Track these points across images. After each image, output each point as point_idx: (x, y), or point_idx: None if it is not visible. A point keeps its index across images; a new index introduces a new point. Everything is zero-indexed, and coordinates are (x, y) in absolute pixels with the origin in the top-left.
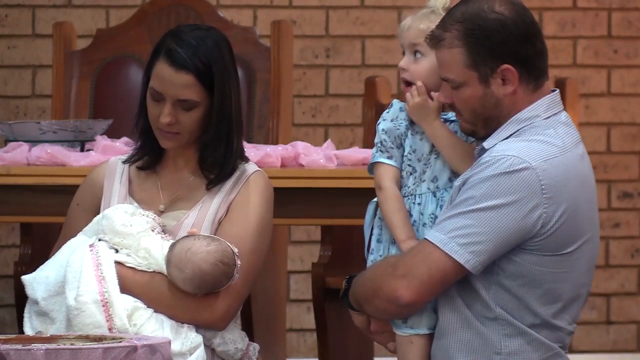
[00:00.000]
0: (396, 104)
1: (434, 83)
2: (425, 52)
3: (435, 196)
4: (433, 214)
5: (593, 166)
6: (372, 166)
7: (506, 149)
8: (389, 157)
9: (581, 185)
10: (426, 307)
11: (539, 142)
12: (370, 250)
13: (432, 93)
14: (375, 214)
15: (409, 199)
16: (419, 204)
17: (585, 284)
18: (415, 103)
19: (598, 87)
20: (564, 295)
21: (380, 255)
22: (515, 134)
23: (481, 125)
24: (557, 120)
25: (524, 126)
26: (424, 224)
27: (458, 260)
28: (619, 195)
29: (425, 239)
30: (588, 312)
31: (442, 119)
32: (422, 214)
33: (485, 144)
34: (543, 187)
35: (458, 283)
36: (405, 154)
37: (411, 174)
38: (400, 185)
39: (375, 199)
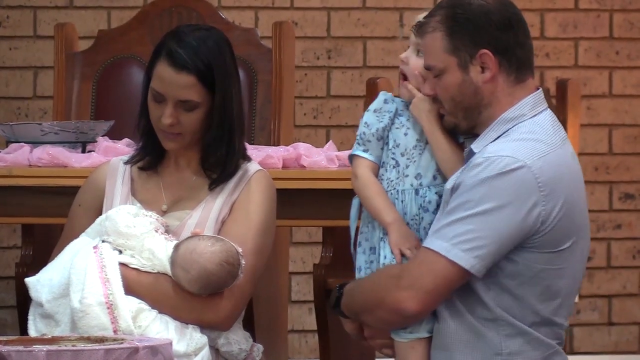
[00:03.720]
0: (382, 95)
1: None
2: None
3: (417, 194)
4: (417, 216)
5: (595, 167)
6: (351, 158)
7: (498, 149)
8: (365, 150)
9: (575, 181)
10: None
11: (530, 141)
12: (358, 249)
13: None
14: (360, 209)
15: (391, 193)
16: (402, 201)
17: (580, 279)
18: (418, 98)
19: (600, 89)
20: (562, 291)
21: (367, 260)
22: (504, 134)
23: (462, 115)
24: (543, 119)
25: (512, 126)
26: (407, 224)
27: (464, 266)
28: (621, 196)
29: (426, 247)
30: (590, 313)
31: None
32: (405, 213)
33: (474, 147)
34: (539, 184)
35: None
36: (390, 147)
37: (394, 167)
38: (378, 178)
39: None
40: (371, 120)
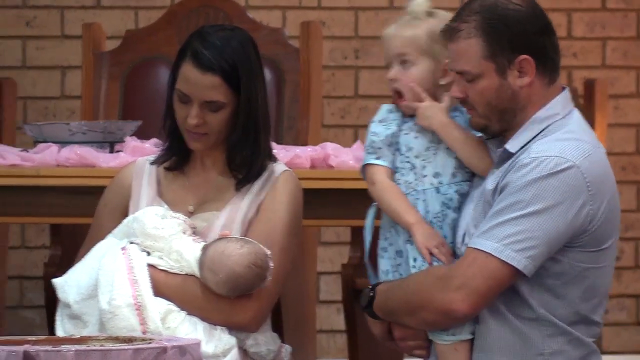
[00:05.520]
0: (385, 107)
1: (426, 89)
2: (414, 59)
3: (438, 192)
4: (439, 213)
5: (622, 167)
6: (364, 169)
7: (545, 149)
8: (378, 158)
9: (613, 179)
10: None
11: (574, 140)
12: (384, 255)
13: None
14: (374, 219)
15: (411, 195)
16: (424, 200)
17: (612, 276)
18: (421, 107)
19: (627, 88)
20: (602, 290)
21: (393, 264)
22: (542, 133)
23: (496, 119)
24: (574, 118)
25: (547, 125)
26: (430, 222)
27: (516, 266)
28: None
29: (475, 248)
30: (618, 312)
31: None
32: (427, 211)
33: (509, 147)
34: (588, 184)
35: None
36: (402, 152)
37: (411, 170)
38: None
39: (376, 203)
40: (378, 129)
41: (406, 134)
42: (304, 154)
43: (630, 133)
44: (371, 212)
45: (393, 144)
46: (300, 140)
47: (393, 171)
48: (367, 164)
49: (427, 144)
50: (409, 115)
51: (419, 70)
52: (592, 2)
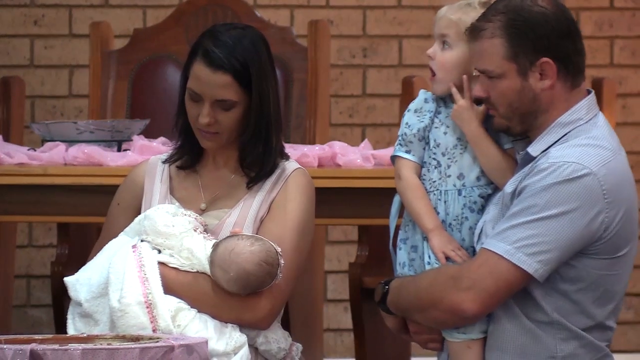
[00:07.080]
0: (422, 94)
1: (457, 76)
2: (453, 43)
3: (460, 194)
4: (459, 216)
5: (630, 166)
6: (394, 158)
7: (564, 155)
8: (408, 152)
9: (632, 186)
10: None
11: (594, 147)
12: (402, 246)
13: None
14: (400, 207)
15: (434, 194)
16: (445, 201)
17: (627, 282)
18: (459, 106)
19: (635, 87)
20: (617, 296)
21: (409, 257)
22: (563, 138)
23: (517, 120)
24: (598, 122)
25: (570, 130)
26: (450, 225)
27: (527, 270)
28: None
29: (487, 249)
30: (625, 311)
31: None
32: (448, 213)
33: (531, 150)
34: (604, 192)
35: None
36: (430, 147)
37: (436, 167)
38: (420, 178)
39: None
40: (412, 120)
41: (436, 127)
42: (311, 152)
43: (638, 132)
44: (396, 200)
45: (424, 138)
46: (308, 139)
47: (420, 166)
48: (397, 155)
49: (455, 142)
50: (442, 99)
51: (454, 54)
52: (600, 1)
